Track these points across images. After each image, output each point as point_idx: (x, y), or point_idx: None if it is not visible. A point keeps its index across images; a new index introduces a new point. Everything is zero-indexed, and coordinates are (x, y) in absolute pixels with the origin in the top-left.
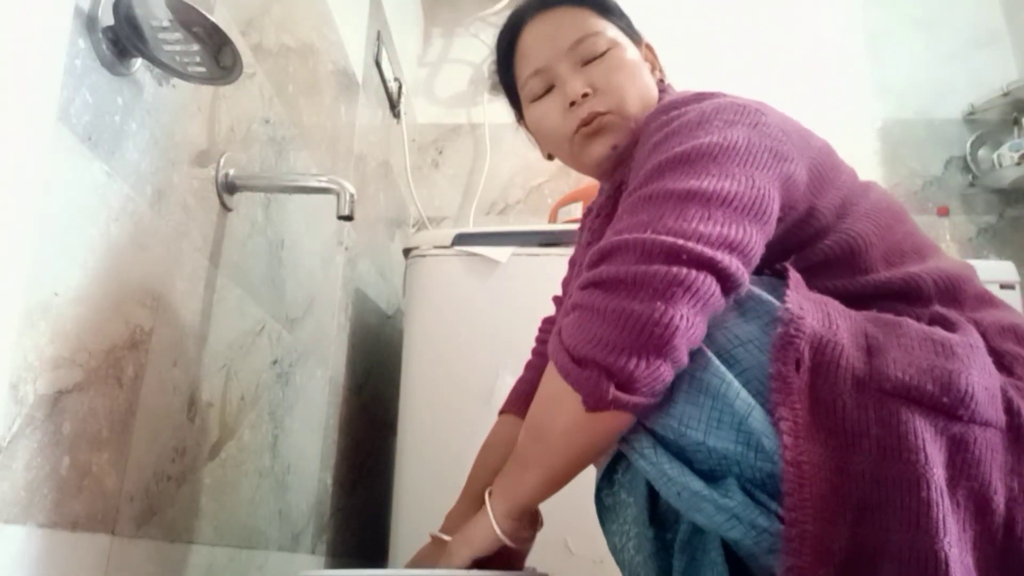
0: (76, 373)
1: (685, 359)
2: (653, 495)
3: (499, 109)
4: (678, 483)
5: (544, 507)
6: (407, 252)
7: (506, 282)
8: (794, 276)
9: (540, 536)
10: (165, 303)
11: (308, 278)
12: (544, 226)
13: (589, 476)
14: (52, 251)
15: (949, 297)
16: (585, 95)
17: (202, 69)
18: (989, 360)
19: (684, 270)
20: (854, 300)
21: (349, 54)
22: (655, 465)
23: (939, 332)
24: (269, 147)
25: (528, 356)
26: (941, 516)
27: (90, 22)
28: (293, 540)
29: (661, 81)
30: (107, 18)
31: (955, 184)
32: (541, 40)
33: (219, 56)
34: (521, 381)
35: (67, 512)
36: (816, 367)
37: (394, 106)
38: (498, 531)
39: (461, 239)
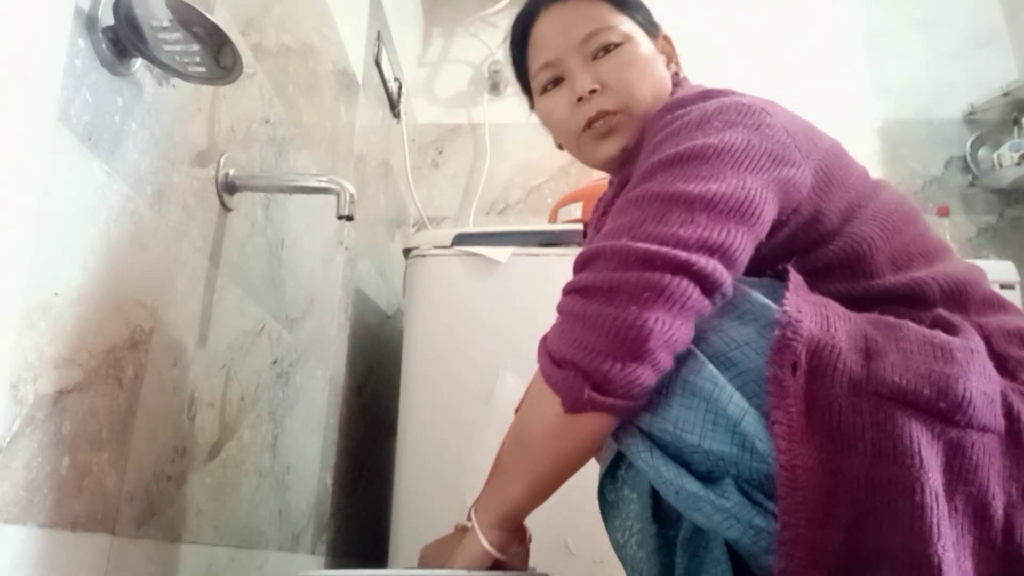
0: (76, 373)
1: (666, 362)
2: (656, 491)
3: (499, 109)
4: (675, 484)
5: (544, 507)
6: (407, 252)
7: (506, 282)
8: (795, 278)
9: (540, 536)
10: (165, 303)
11: (308, 278)
12: (544, 226)
13: (588, 477)
14: (52, 251)
15: (955, 301)
16: (593, 91)
17: (202, 69)
18: (990, 364)
19: (658, 275)
20: (858, 304)
21: (349, 54)
22: (652, 468)
23: (939, 336)
24: (269, 147)
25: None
26: (935, 520)
27: (90, 22)
28: (293, 540)
29: (676, 74)
30: (107, 18)
31: (955, 184)
32: (554, 31)
33: (219, 56)
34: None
35: (67, 512)
36: (812, 370)
37: (394, 106)
38: (485, 543)
39: (461, 239)
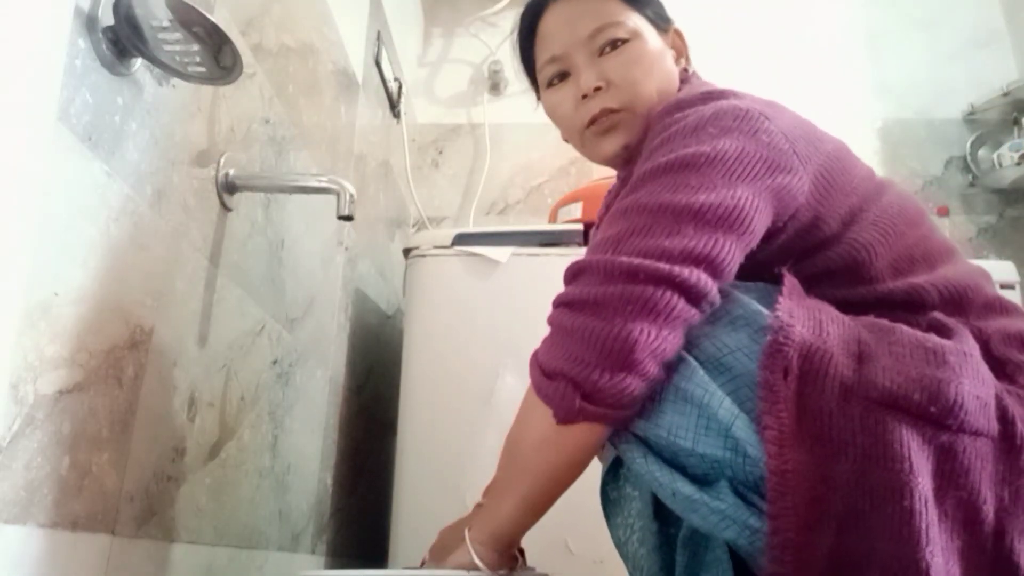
0: (76, 373)
1: (653, 371)
2: None
3: (499, 109)
4: (670, 487)
5: None
6: (407, 252)
7: (506, 282)
8: (789, 282)
9: (540, 536)
10: (165, 303)
11: (308, 278)
12: (544, 226)
13: (588, 477)
14: (52, 251)
15: (954, 306)
16: (598, 88)
17: (202, 69)
18: (984, 368)
19: (640, 287)
20: (855, 309)
21: (349, 54)
22: (648, 472)
23: (932, 339)
24: (269, 147)
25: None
26: (924, 525)
27: (90, 22)
28: (293, 540)
29: (684, 70)
30: (107, 18)
31: (955, 184)
32: (561, 26)
33: (219, 56)
34: None
35: (67, 512)
36: (804, 375)
37: (394, 106)
38: (476, 559)
39: (461, 239)
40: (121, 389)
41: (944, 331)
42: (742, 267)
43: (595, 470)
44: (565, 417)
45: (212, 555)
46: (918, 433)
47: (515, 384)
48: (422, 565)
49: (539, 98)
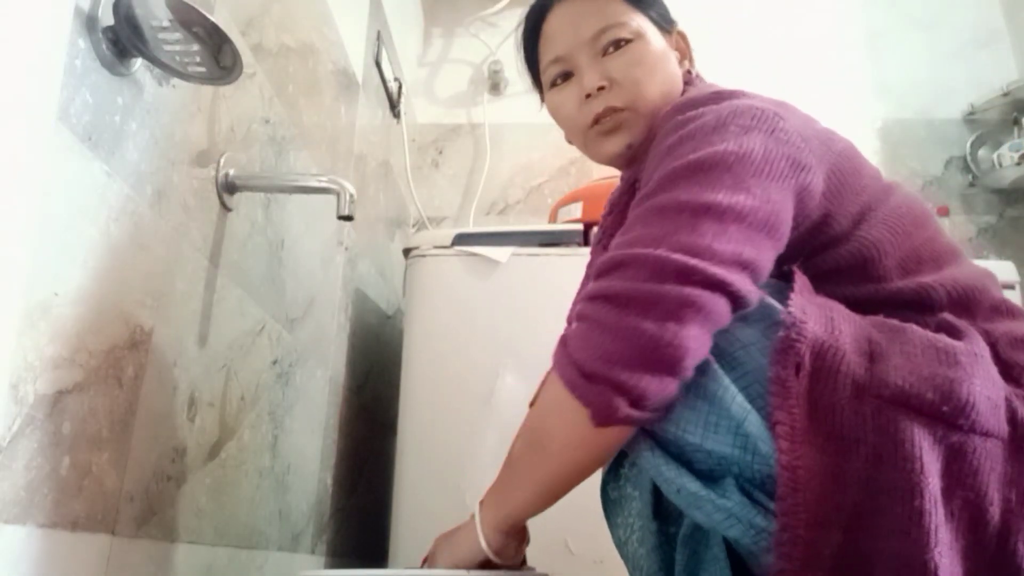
0: (76, 373)
1: (691, 374)
2: (658, 489)
3: (499, 109)
4: (675, 483)
5: None
6: (407, 252)
7: (506, 282)
8: (800, 279)
9: (540, 536)
10: (165, 303)
11: (308, 278)
12: (544, 226)
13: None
14: (52, 251)
15: (962, 307)
16: (601, 88)
17: (202, 69)
18: (994, 370)
19: (696, 291)
20: (864, 307)
21: (349, 54)
22: (654, 466)
23: (944, 340)
24: (269, 147)
25: (552, 350)
26: (934, 526)
27: (90, 22)
28: (293, 540)
29: (688, 72)
30: (107, 18)
31: (955, 184)
32: (565, 26)
33: (219, 56)
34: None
35: (67, 512)
36: (816, 372)
37: (394, 106)
38: (484, 544)
39: (461, 239)
40: (121, 389)
41: (954, 332)
42: None
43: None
44: (605, 421)
45: (212, 555)
46: (929, 433)
47: (515, 384)
48: (423, 565)
49: (543, 99)
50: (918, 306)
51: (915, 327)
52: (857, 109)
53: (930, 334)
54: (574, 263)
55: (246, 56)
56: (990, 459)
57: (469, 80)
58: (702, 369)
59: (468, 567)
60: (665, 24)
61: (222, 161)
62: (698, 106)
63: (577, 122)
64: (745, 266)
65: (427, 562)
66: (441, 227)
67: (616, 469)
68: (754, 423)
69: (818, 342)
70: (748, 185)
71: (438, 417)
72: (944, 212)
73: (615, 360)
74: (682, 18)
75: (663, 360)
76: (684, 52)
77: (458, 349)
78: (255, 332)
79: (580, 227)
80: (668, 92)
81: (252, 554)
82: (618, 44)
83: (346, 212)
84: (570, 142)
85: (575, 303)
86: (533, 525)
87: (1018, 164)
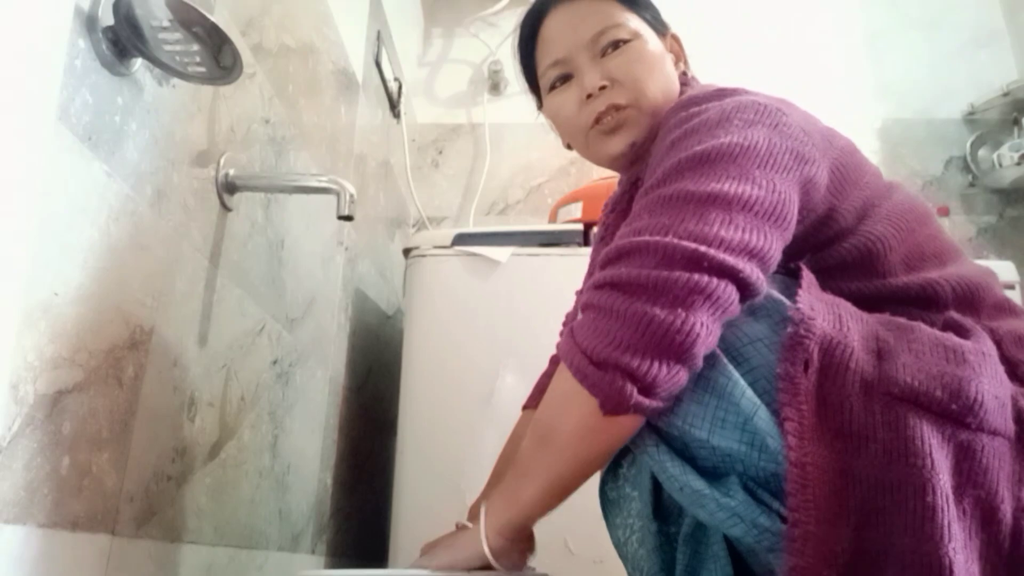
0: (76, 373)
1: (700, 364)
2: (657, 489)
3: (499, 109)
4: (679, 480)
5: None
6: (407, 252)
7: (506, 282)
8: (807, 276)
9: (540, 536)
10: (165, 303)
11: (308, 278)
12: (544, 226)
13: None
14: (52, 251)
15: (966, 304)
16: (603, 88)
17: (202, 69)
18: (1001, 369)
19: (706, 278)
20: (869, 303)
21: (349, 54)
22: (658, 462)
23: (951, 338)
24: (269, 147)
25: (551, 350)
26: (946, 521)
27: (90, 22)
28: (293, 540)
29: (684, 74)
30: (107, 18)
31: (955, 184)
32: (563, 29)
33: (219, 56)
34: (545, 375)
35: (67, 512)
36: (825, 368)
37: (394, 106)
38: (485, 548)
39: (461, 239)
40: (121, 389)
41: (961, 331)
42: None
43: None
44: (615, 409)
45: (212, 555)
46: (938, 430)
47: (515, 384)
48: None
49: (539, 106)
50: (924, 302)
51: (923, 325)
52: (857, 109)
53: (938, 332)
54: (574, 263)
55: (246, 56)
56: (998, 458)
57: (469, 80)
58: (711, 363)
59: (466, 567)
60: (659, 26)
61: (222, 161)
62: (701, 103)
63: (578, 123)
64: (753, 254)
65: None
66: (441, 227)
67: (614, 469)
68: (763, 418)
69: (827, 339)
70: (753, 175)
71: (438, 417)
72: (944, 212)
73: (625, 346)
74: (682, 18)
75: (673, 346)
76: (679, 54)
77: (458, 349)
78: (255, 332)
79: (580, 227)
80: (667, 92)
81: (252, 554)
82: (617, 44)
83: (346, 212)
84: (568, 147)
85: (576, 303)
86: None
87: (1018, 164)
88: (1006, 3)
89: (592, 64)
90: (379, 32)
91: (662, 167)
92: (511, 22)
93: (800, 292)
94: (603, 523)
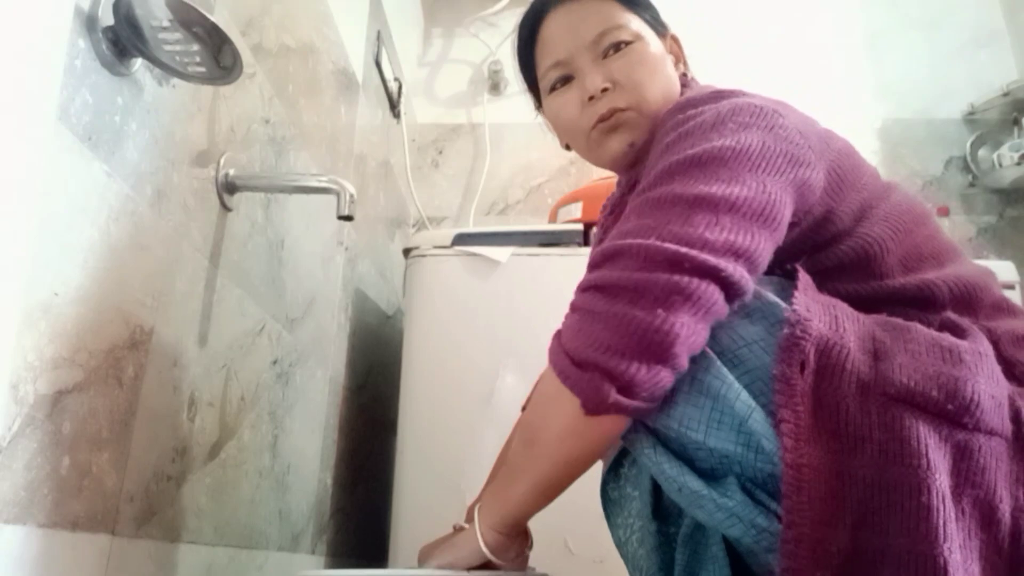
0: (76, 373)
1: (685, 365)
2: (657, 489)
3: (499, 109)
4: (677, 481)
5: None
6: (407, 252)
7: (506, 282)
8: (803, 277)
9: (540, 536)
10: (165, 303)
11: (308, 278)
12: (544, 226)
13: (589, 477)
14: (52, 251)
15: (964, 304)
16: (605, 90)
17: (202, 69)
18: (998, 368)
19: (686, 278)
20: (867, 304)
21: (349, 54)
22: (656, 464)
23: (948, 338)
24: (269, 147)
25: (533, 355)
26: (942, 522)
27: (90, 22)
28: (293, 540)
29: (684, 75)
30: (107, 18)
31: (955, 184)
32: (563, 31)
33: (219, 56)
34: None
35: (67, 512)
36: (821, 370)
37: (394, 106)
38: (482, 545)
39: (461, 239)
40: (121, 389)
41: (958, 331)
42: None
43: (596, 470)
44: (595, 409)
45: (212, 555)
46: (935, 431)
47: (515, 384)
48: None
49: (538, 107)
50: (921, 303)
51: (919, 326)
52: (857, 109)
53: (934, 333)
54: (574, 263)
55: (246, 56)
56: (996, 457)
57: (469, 80)
58: (705, 366)
59: (467, 565)
60: (659, 27)
61: (222, 161)
62: (698, 105)
63: (579, 124)
64: (739, 254)
65: (422, 563)
66: (441, 227)
67: (616, 469)
68: (758, 420)
69: (823, 340)
70: (744, 178)
71: (438, 417)
72: (944, 212)
73: (605, 347)
74: (682, 18)
75: (652, 346)
76: (678, 55)
77: (458, 349)
78: (255, 332)
79: (580, 227)
80: (668, 93)
81: (252, 554)
82: (618, 46)
83: (346, 212)
84: (567, 147)
85: None
86: (533, 525)
87: (1018, 164)
88: (1006, 3)
89: (594, 66)
90: (379, 32)
91: (655, 170)
92: (511, 22)
93: (796, 294)
94: (603, 523)
